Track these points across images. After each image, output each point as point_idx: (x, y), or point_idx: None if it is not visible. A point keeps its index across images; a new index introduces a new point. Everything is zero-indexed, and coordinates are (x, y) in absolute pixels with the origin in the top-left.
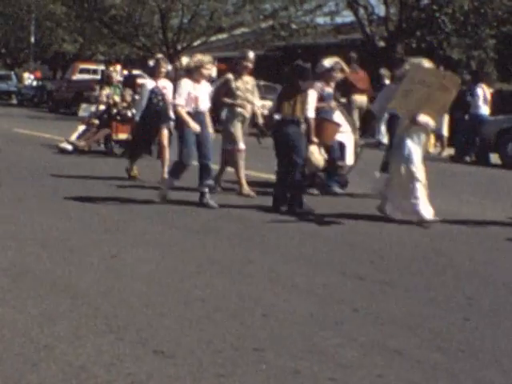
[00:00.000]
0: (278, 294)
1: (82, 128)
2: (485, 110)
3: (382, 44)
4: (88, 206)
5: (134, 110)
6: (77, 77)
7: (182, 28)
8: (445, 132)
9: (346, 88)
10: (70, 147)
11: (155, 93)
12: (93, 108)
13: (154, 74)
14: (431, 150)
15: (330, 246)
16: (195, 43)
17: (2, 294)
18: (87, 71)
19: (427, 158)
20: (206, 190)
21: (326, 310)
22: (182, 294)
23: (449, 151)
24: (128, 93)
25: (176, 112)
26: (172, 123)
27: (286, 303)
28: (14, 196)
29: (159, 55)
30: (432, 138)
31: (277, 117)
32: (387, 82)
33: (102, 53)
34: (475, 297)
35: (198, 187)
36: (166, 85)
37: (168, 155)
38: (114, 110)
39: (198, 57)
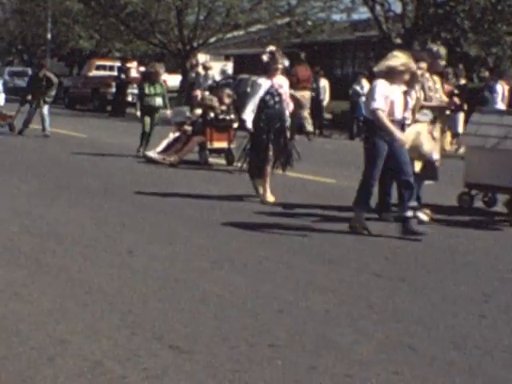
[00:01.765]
0: (293, 290)
1: (172, 136)
2: (502, 106)
3: (398, 41)
4: (105, 202)
5: (231, 115)
6: (93, 73)
7: (198, 25)
8: (460, 129)
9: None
10: (157, 157)
11: (271, 93)
12: (188, 112)
13: (267, 70)
14: (447, 147)
15: (346, 242)
16: (211, 40)
17: (18, 289)
18: (103, 68)
19: (444, 155)
20: (410, 213)
21: (341, 307)
22: (197, 290)
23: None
24: (227, 94)
25: (376, 119)
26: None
27: (302, 300)
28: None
29: (272, 47)
30: (448, 136)
31: None
32: None
33: (118, 49)
34: (491, 293)
35: (398, 212)
36: (282, 83)
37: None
38: (211, 114)
39: (403, 59)
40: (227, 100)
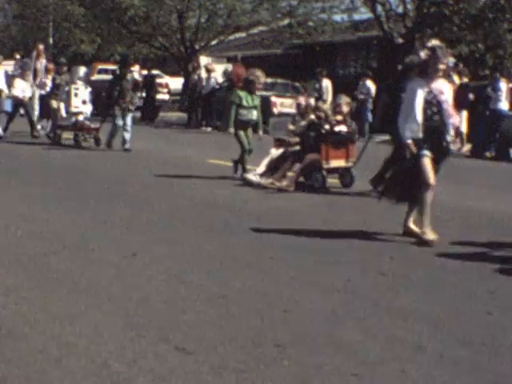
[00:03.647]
0: (299, 290)
1: (274, 154)
2: (505, 105)
3: (400, 41)
4: (109, 205)
5: (351, 127)
6: (95, 77)
7: (200, 27)
8: (463, 128)
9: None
10: (257, 179)
11: (429, 102)
12: (291, 126)
13: (425, 71)
14: (451, 146)
15: (350, 242)
16: (213, 42)
17: (24, 292)
18: (106, 71)
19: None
20: None
21: (347, 306)
22: (202, 291)
23: (468, 147)
24: (345, 101)
25: None
26: None
27: (308, 299)
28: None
29: (435, 42)
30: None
31: None
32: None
33: (120, 53)
34: (498, 291)
35: None
36: (443, 88)
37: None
38: (326, 126)
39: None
40: (345, 108)
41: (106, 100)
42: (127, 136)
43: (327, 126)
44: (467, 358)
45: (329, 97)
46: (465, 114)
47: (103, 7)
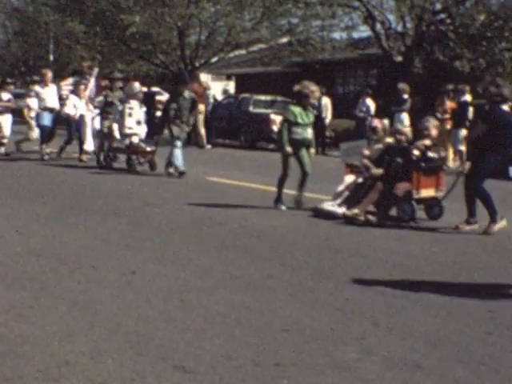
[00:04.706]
0: (298, 308)
1: (349, 181)
2: None
3: (399, 58)
4: (108, 222)
5: (442, 153)
6: None
7: (200, 45)
8: (462, 147)
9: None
10: (346, 212)
11: None
12: (366, 151)
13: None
14: (450, 164)
15: (349, 260)
16: (213, 60)
17: (23, 310)
18: (106, 88)
19: (448, 171)
20: None
21: (346, 325)
22: (201, 309)
23: (468, 165)
24: (433, 124)
25: None
26: None
27: (307, 318)
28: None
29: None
30: (451, 153)
31: None
32: (405, 96)
33: (121, 70)
34: (497, 310)
35: None
36: None
37: None
38: (415, 152)
39: None
40: (434, 132)
41: (161, 119)
42: (180, 158)
43: (416, 152)
44: (466, 378)
45: (328, 114)
46: (463, 131)
47: (104, 24)
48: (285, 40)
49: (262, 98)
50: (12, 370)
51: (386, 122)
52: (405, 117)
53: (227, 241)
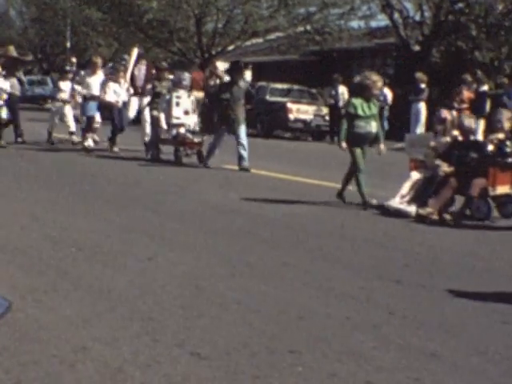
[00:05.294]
0: (313, 296)
1: (417, 177)
2: None
3: (417, 48)
4: (126, 210)
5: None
6: None
7: (217, 33)
8: (480, 137)
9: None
10: (409, 209)
11: None
12: (433, 143)
13: None
14: None
15: (366, 249)
16: (230, 48)
17: (39, 296)
18: None
19: None
20: None
21: (362, 313)
22: (217, 296)
23: None
24: (506, 117)
25: None
26: None
27: (322, 306)
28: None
29: None
30: None
31: None
32: (423, 85)
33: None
34: None
35: None
36: None
37: None
38: (489, 147)
39: None
40: (508, 125)
41: (209, 113)
42: (243, 152)
43: (491, 146)
44: (482, 367)
45: None
46: (482, 121)
47: (121, 11)
48: (302, 28)
49: (279, 86)
50: (28, 355)
51: (454, 113)
52: (422, 106)
53: (244, 229)
